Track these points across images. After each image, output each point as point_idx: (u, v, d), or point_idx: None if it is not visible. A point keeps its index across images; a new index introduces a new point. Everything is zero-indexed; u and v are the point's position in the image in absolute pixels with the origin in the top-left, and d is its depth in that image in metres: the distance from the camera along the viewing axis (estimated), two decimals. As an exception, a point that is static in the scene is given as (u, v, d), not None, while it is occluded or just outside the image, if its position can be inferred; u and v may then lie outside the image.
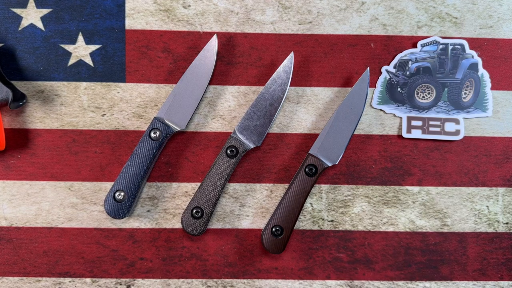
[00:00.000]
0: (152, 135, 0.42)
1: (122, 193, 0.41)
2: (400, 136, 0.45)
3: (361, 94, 0.43)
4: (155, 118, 0.42)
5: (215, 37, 0.43)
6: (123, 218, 0.42)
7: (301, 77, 0.45)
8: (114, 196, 0.41)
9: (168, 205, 0.44)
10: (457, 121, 0.45)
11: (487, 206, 0.45)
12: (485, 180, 0.45)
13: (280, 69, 0.43)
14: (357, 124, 0.43)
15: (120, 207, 0.41)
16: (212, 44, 0.43)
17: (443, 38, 0.45)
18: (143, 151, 0.42)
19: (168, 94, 0.44)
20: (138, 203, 0.44)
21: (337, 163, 0.43)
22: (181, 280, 0.43)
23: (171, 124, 0.43)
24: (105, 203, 0.42)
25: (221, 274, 0.44)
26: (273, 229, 0.42)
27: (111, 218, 0.43)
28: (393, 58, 0.45)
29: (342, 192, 0.45)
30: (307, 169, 0.43)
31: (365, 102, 0.43)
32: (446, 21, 0.46)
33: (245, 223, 0.44)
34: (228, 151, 0.43)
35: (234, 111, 0.45)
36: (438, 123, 0.45)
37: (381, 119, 0.45)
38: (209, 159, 0.44)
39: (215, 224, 0.44)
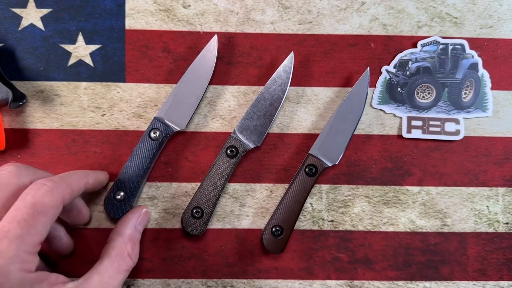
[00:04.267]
0: (152, 135, 0.42)
1: (122, 193, 0.41)
2: (400, 136, 0.45)
3: (361, 94, 0.43)
4: (155, 118, 0.42)
5: (215, 37, 0.43)
6: None
7: (301, 77, 0.45)
8: (114, 196, 0.41)
9: (168, 205, 0.44)
10: (457, 121, 0.45)
11: (487, 206, 0.45)
12: (485, 180, 0.45)
13: (280, 69, 0.43)
14: (357, 124, 0.43)
15: (120, 207, 0.41)
16: (213, 44, 0.43)
17: (443, 38, 0.45)
18: (143, 151, 0.42)
19: (168, 94, 0.44)
20: (138, 203, 0.44)
21: (337, 163, 0.43)
22: (181, 280, 0.43)
23: (171, 124, 0.43)
24: (104, 203, 0.42)
25: (221, 274, 0.44)
26: (273, 229, 0.42)
27: (111, 217, 0.43)
28: (393, 58, 0.45)
29: (342, 192, 0.45)
30: (307, 169, 0.43)
31: (365, 102, 0.43)
32: (446, 21, 0.46)
33: (245, 223, 0.44)
34: (228, 151, 0.43)
35: (234, 111, 0.45)
36: (438, 123, 0.45)
37: (381, 119, 0.45)
38: (209, 159, 0.44)
39: (215, 224, 0.44)
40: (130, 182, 0.42)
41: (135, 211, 0.41)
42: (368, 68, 0.43)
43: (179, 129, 0.43)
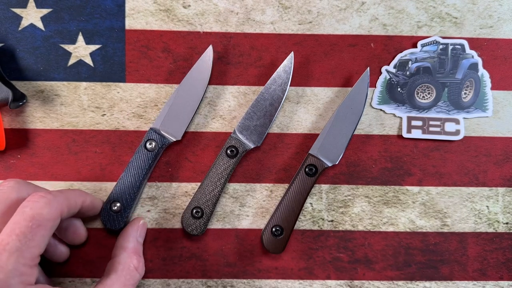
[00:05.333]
0: (148, 146, 0.42)
1: (118, 204, 0.42)
2: (400, 136, 0.45)
3: (361, 94, 0.43)
4: (151, 128, 0.42)
5: (210, 48, 0.43)
6: (119, 228, 0.42)
7: (301, 77, 0.45)
8: (110, 207, 0.42)
9: (168, 205, 0.44)
10: (457, 121, 0.45)
11: (487, 206, 0.45)
12: (485, 180, 0.45)
13: (280, 69, 0.43)
14: (357, 124, 0.43)
15: (116, 218, 0.42)
16: (208, 55, 0.43)
17: (443, 38, 0.45)
18: (139, 162, 0.42)
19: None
20: (138, 203, 0.44)
21: (337, 163, 0.43)
22: (181, 280, 0.43)
23: (166, 135, 0.43)
24: (101, 214, 0.42)
25: (221, 274, 0.44)
26: (273, 229, 0.42)
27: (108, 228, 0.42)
28: (393, 58, 0.45)
29: (342, 192, 0.45)
30: (307, 169, 0.43)
31: (365, 102, 0.43)
32: (446, 21, 0.46)
33: (245, 223, 0.44)
34: (228, 151, 0.43)
35: (234, 111, 0.45)
36: (438, 123, 0.45)
37: (381, 119, 0.45)
38: (209, 159, 0.44)
39: (215, 224, 0.44)
40: (126, 193, 0.42)
41: (134, 223, 0.41)
42: (368, 68, 0.43)
43: (174, 140, 0.43)
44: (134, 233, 0.40)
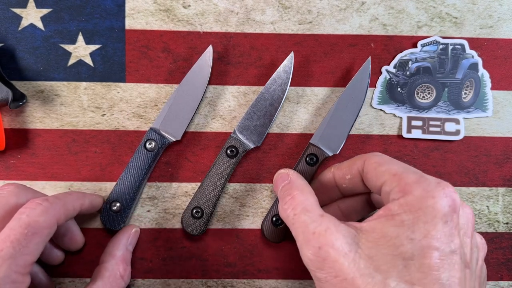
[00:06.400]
0: (148, 146, 0.42)
1: (118, 204, 0.42)
2: (400, 136, 0.45)
3: (363, 83, 0.43)
4: (151, 128, 0.42)
5: (210, 48, 0.43)
6: (119, 228, 0.42)
7: (301, 77, 0.45)
8: (110, 207, 0.42)
9: (168, 205, 0.44)
10: (457, 121, 0.45)
11: (487, 206, 0.45)
12: (485, 180, 0.45)
13: (280, 69, 0.43)
14: (358, 113, 0.43)
15: (116, 218, 0.42)
16: (208, 55, 0.43)
17: (443, 38, 0.45)
18: (139, 162, 0.42)
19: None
20: (138, 203, 0.44)
21: (338, 152, 0.43)
22: (181, 280, 0.43)
23: (166, 135, 0.43)
24: (101, 214, 0.42)
25: (221, 274, 0.44)
26: (273, 218, 0.42)
27: (107, 228, 0.42)
28: (393, 58, 0.45)
29: (342, 192, 0.45)
30: (308, 159, 0.43)
31: (366, 91, 0.43)
32: (446, 21, 0.46)
33: (245, 223, 0.44)
34: (228, 151, 0.43)
35: (234, 111, 0.45)
36: (438, 123, 0.45)
37: (381, 119, 0.45)
38: (209, 159, 0.44)
39: (215, 224, 0.44)
40: (126, 193, 0.42)
41: (125, 231, 0.41)
42: (370, 57, 0.43)
43: (174, 140, 0.43)
44: (124, 241, 0.41)
